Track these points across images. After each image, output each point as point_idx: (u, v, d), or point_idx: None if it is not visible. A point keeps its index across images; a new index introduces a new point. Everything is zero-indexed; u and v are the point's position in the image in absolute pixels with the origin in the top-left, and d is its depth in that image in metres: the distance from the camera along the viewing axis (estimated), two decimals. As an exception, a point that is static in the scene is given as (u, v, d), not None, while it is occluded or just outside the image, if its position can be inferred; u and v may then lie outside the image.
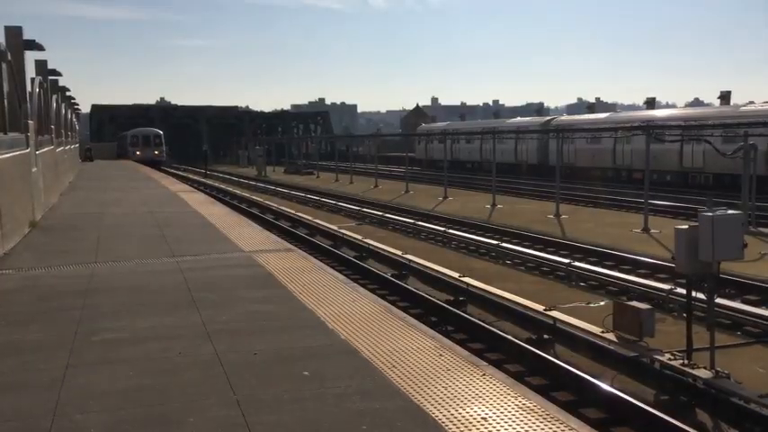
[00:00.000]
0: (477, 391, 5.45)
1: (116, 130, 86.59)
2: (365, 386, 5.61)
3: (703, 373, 8.79)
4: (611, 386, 9.12)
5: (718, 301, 10.80)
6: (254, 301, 8.64)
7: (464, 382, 5.65)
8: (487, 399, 5.32)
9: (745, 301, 12.86)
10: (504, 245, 19.01)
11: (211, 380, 5.90)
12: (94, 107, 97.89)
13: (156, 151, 68.29)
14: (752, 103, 44.32)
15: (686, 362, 9.14)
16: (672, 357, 9.28)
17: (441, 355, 6.35)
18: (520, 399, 5.31)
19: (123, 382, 5.91)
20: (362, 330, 7.17)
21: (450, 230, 22.02)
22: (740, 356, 10.48)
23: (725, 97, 42.93)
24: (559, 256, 17.57)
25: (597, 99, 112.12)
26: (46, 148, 21.85)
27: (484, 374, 5.82)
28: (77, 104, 52.39)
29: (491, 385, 5.58)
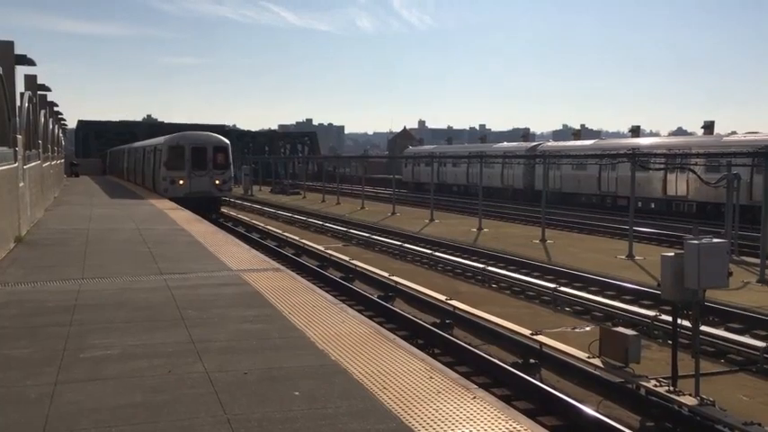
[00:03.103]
0: (467, 414, 5.48)
1: (102, 146, 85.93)
2: (357, 407, 5.63)
3: (688, 400, 8.87)
4: (597, 411, 9.17)
5: (703, 328, 10.91)
6: (243, 320, 8.63)
7: (455, 405, 5.68)
8: (478, 422, 5.35)
9: (728, 329, 12.99)
10: (491, 269, 19.10)
11: (201, 398, 5.89)
12: (80, 122, 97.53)
13: (217, 180, 34.18)
14: (734, 133, 44.99)
15: (671, 389, 9.21)
16: (657, 384, 9.36)
17: (431, 377, 6.38)
18: (510, 422, 5.34)
19: (113, 399, 5.88)
20: (353, 351, 7.19)
21: (437, 253, 22.08)
22: (724, 384, 10.57)
23: (708, 127, 43.51)
24: (545, 280, 17.66)
25: (582, 126, 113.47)
26: (33, 163, 21.74)
27: (474, 397, 5.85)
28: (64, 120, 52.19)
29: (481, 408, 5.62)
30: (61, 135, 51.17)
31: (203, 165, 33.65)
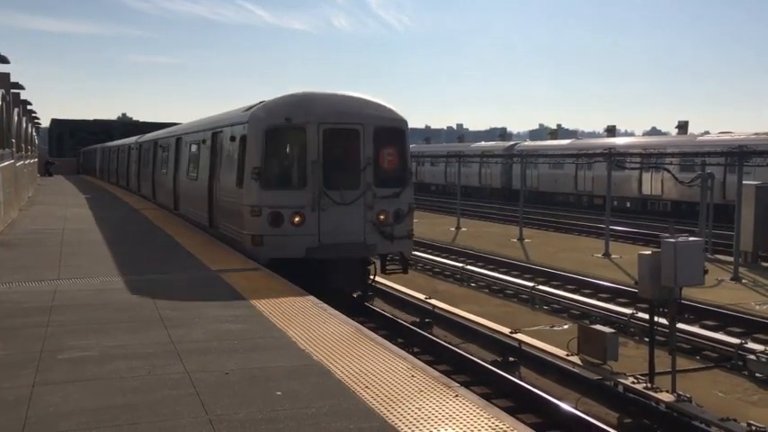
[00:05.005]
0: (450, 413, 5.51)
1: (76, 145, 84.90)
2: (339, 406, 5.63)
3: (666, 397, 9.00)
4: (576, 408, 9.26)
5: (679, 326, 11.08)
6: (223, 320, 8.59)
7: (437, 404, 5.70)
8: (460, 420, 5.37)
9: (703, 327, 13.18)
10: (469, 267, 19.20)
11: (183, 399, 5.85)
12: (54, 121, 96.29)
13: (381, 213, 13.67)
14: (707, 132, 45.63)
15: (649, 385, 9.34)
16: (635, 381, 9.49)
17: (413, 376, 6.39)
18: (492, 420, 5.37)
19: (92, 401, 5.82)
20: (334, 351, 7.19)
21: (416, 252, 22.13)
22: (701, 380, 10.74)
23: (683, 127, 44.06)
24: (523, 279, 17.79)
25: (558, 125, 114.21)
26: (6, 162, 21.43)
27: (456, 396, 5.88)
28: (38, 118, 51.51)
29: (464, 406, 5.65)
30: (35, 134, 50.48)
31: (351, 174, 13.76)
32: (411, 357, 7.14)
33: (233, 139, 14.61)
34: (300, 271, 12.65)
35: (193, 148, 19.09)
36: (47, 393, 5.99)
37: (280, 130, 13.50)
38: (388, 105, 14.35)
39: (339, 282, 13.60)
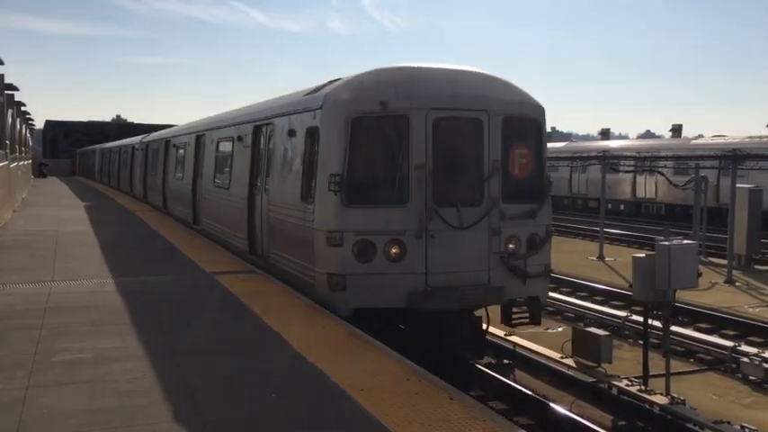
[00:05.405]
0: (444, 415, 5.52)
1: (70, 147, 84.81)
2: (335, 410, 5.63)
3: (659, 399, 9.04)
4: (571, 411, 9.28)
5: (673, 328, 11.12)
6: (218, 322, 8.58)
7: (432, 406, 5.71)
8: (455, 423, 5.38)
9: (697, 329, 13.23)
10: (464, 270, 19.19)
11: (177, 401, 5.85)
12: (48, 123, 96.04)
13: (511, 241, 9.79)
14: (701, 136, 45.77)
15: (643, 388, 9.38)
16: (629, 383, 9.52)
17: (408, 379, 6.40)
18: (487, 422, 5.39)
19: (86, 403, 5.81)
20: (329, 354, 7.18)
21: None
22: (694, 383, 10.77)
23: (676, 130, 44.17)
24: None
25: (553, 128, 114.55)
26: (0, 164, 21.37)
27: (451, 399, 5.89)
28: (32, 120, 51.35)
29: (458, 409, 5.66)
30: (29, 135, 50.33)
31: (472, 184, 9.71)
32: (406, 360, 7.14)
33: (292, 133, 10.72)
34: (388, 322, 9.29)
35: (222, 147, 15.36)
36: (41, 395, 5.98)
37: (371, 120, 9.36)
38: (517, 86, 10.41)
39: (448, 341, 9.51)
